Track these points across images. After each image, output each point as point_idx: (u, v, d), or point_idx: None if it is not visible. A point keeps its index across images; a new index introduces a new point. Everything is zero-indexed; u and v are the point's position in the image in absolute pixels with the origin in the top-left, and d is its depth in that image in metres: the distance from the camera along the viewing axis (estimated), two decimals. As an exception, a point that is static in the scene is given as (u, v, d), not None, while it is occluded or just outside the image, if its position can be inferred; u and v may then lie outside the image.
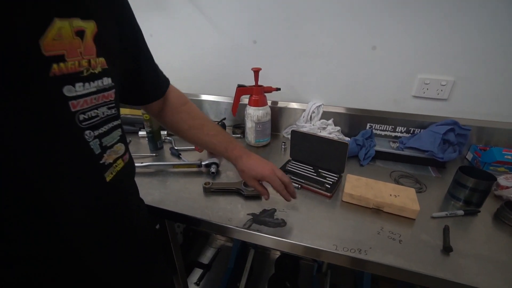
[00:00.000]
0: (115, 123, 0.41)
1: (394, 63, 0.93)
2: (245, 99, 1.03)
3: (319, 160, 0.84)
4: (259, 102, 0.96)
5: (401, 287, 1.08)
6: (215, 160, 0.86)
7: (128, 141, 1.09)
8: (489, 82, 0.88)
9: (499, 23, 0.80)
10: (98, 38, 0.35)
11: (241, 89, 0.96)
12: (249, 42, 1.06)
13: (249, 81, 0.98)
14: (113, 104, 0.40)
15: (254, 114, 0.96)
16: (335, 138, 0.89)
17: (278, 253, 1.39)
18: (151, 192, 0.75)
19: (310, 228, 0.62)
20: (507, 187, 0.74)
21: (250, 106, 0.98)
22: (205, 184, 0.76)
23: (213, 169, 0.84)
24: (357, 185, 0.73)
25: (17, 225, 0.31)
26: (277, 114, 1.13)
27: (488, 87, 0.88)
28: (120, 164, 0.42)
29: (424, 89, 0.93)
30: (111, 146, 0.40)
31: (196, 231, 1.58)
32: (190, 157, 0.96)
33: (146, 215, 0.58)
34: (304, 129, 0.99)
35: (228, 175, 0.84)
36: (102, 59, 0.36)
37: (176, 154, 0.97)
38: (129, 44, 0.45)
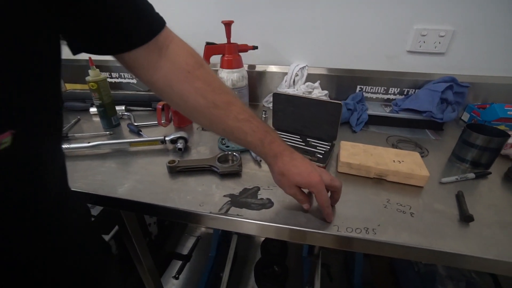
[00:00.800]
0: None
1: (387, 12, 0.81)
2: (216, 62, 0.86)
3: (306, 127, 0.71)
4: (233, 63, 0.80)
5: (394, 262, 1.02)
6: (182, 134, 0.70)
7: (77, 119, 0.89)
8: (493, 32, 0.78)
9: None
10: None
11: (211, 48, 0.79)
12: (217, -8, 0.87)
13: (219, 39, 0.81)
14: None
15: (228, 78, 0.81)
16: (326, 99, 0.77)
17: (264, 237, 1.29)
18: (101, 178, 0.58)
19: (301, 207, 0.50)
20: (516, 145, 0.66)
21: (222, 69, 0.82)
22: (169, 162, 0.60)
23: (180, 145, 0.68)
24: (354, 152, 0.61)
25: None
26: (255, 80, 0.98)
27: (491, 37, 0.79)
28: None
29: (420, 42, 0.82)
30: None
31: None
32: (154, 133, 0.79)
33: (82, 225, 0.40)
34: (288, 94, 0.85)
35: (199, 151, 0.69)
36: None
37: (135, 130, 0.79)
38: None
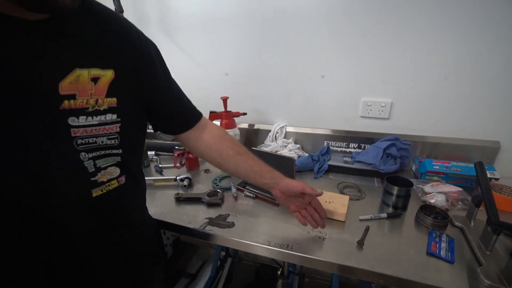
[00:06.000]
0: (114, 151, 0.50)
1: (341, 89, 1.09)
2: (217, 124, 1.20)
3: (274, 174, 0.98)
4: (228, 125, 1.13)
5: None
6: (188, 175, 1.01)
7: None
8: (423, 103, 1.02)
9: (426, 54, 0.96)
10: (114, 84, 0.46)
11: (213, 115, 1.13)
12: (222, 75, 1.25)
13: (222, 108, 1.15)
14: (115, 136, 0.49)
15: (224, 135, 1.13)
16: (284, 154, 1.04)
17: (259, 264, 1.49)
18: (131, 202, 0.91)
19: (253, 229, 0.75)
20: (430, 193, 0.85)
21: (221, 129, 1.15)
22: (175, 194, 0.91)
23: (185, 183, 0.99)
24: (300, 193, 0.86)
25: (18, 226, 0.44)
26: (252, 134, 1.29)
27: (421, 107, 1.02)
28: (114, 184, 0.51)
29: (368, 110, 1.08)
30: (105, 168, 0.49)
31: (186, 243, 1.70)
32: (171, 173, 1.12)
33: (148, 229, 0.66)
34: (266, 148, 1.14)
35: (198, 188, 0.99)
36: (112, 99, 0.46)
37: (159, 170, 1.13)
38: (148, 85, 0.54)
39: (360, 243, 0.68)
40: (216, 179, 1.03)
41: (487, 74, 0.93)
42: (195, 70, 1.28)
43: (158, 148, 1.30)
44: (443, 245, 0.68)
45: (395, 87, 1.03)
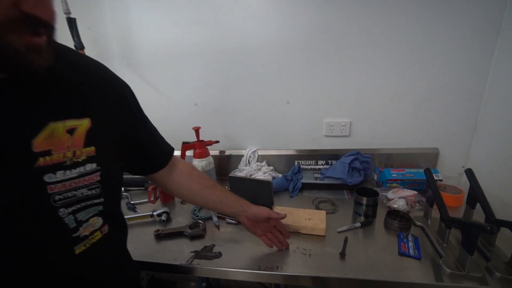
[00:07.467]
0: (96, 201, 0.46)
1: (305, 112, 1.20)
2: (190, 154, 1.20)
3: (254, 198, 1.00)
4: (202, 154, 1.14)
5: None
6: (165, 209, 0.99)
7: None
8: (376, 121, 1.17)
9: (375, 79, 1.11)
10: (91, 132, 0.44)
11: (186, 146, 1.14)
12: (191, 105, 1.27)
13: (193, 138, 1.16)
14: (96, 185, 0.46)
15: (198, 164, 1.14)
16: (261, 178, 1.09)
17: (243, 290, 1.46)
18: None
19: (241, 256, 0.77)
20: (392, 199, 0.97)
21: (195, 159, 1.15)
22: (155, 231, 0.88)
23: (163, 217, 0.96)
24: (281, 214, 0.90)
25: None
26: (224, 161, 1.31)
27: (375, 124, 1.17)
28: (97, 236, 0.48)
29: (330, 129, 1.19)
30: (87, 220, 0.46)
31: (162, 280, 1.59)
32: (145, 209, 1.07)
33: (132, 274, 0.64)
34: (241, 173, 1.17)
35: (178, 221, 0.97)
36: (91, 148, 0.44)
37: (132, 207, 1.08)
38: (125, 129, 0.53)
39: (342, 254, 0.74)
40: (195, 210, 1.02)
41: (424, 95, 1.10)
42: (162, 102, 1.28)
43: (128, 184, 1.24)
44: (411, 244, 0.77)
45: (352, 108, 1.16)
